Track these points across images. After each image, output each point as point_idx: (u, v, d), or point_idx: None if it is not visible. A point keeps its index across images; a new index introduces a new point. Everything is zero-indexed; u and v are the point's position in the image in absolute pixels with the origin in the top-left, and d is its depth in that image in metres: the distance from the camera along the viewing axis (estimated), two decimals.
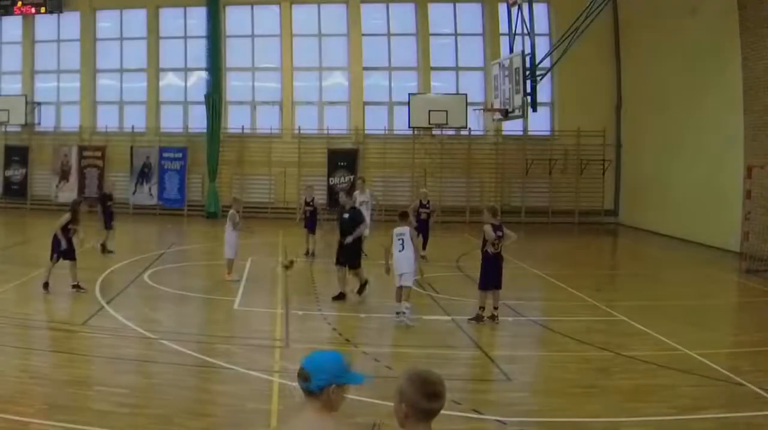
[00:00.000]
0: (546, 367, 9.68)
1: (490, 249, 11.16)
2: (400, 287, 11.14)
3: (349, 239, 12.83)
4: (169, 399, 7.71)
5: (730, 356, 9.97)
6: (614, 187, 27.45)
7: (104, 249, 17.20)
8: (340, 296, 12.84)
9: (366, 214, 17.72)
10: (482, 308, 11.21)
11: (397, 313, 11.12)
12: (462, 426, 7.07)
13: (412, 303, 11.38)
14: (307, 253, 17.63)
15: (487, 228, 11.17)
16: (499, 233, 11.19)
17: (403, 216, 11.79)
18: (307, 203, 18.07)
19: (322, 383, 3.30)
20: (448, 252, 18.58)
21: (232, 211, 14.98)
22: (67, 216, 12.94)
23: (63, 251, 12.75)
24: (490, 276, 11.18)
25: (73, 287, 12.74)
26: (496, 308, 11.25)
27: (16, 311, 11.34)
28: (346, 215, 13.31)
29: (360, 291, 13.09)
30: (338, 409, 3.40)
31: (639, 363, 9.31)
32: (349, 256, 12.99)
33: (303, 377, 3.34)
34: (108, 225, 17.66)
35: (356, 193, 18.32)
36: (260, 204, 27.09)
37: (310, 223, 17.81)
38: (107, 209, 17.80)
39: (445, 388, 3.23)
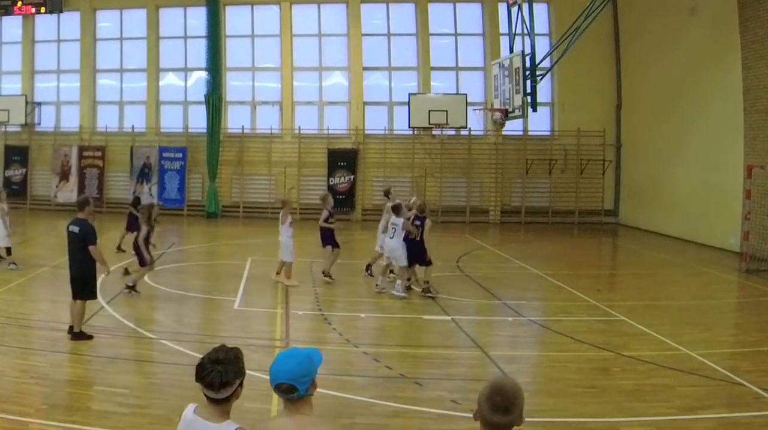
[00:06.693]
0: (546, 367, 9.66)
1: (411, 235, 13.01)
2: (387, 265, 13.61)
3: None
4: (169, 399, 7.69)
5: (730, 356, 9.95)
6: (614, 187, 27.47)
7: (120, 249, 17.36)
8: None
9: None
10: (409, 279, 13.41)
11: (377, 285, 13.26)
12: (462, 426, 7.06)
13: (416, 303, 11.35)
14: None
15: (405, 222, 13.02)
16: (417, 223, 12.91)
17: (396, 209, 13.08)
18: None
19: (308, 385, 3.35)
20: (448, 252, 18.57)
21: (283, 210, 14.18)
22: None
23: None
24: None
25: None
26: (426, 284, 13.04)
27: (16, 311, 11.34)
28: (76, 229, 9.83)
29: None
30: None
31: (639, 363, 9.31)
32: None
33: (285, 390, 3.31)
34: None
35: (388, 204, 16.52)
36: (260, 204, 27.13)
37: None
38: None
39: (515, 405, 3.01)
